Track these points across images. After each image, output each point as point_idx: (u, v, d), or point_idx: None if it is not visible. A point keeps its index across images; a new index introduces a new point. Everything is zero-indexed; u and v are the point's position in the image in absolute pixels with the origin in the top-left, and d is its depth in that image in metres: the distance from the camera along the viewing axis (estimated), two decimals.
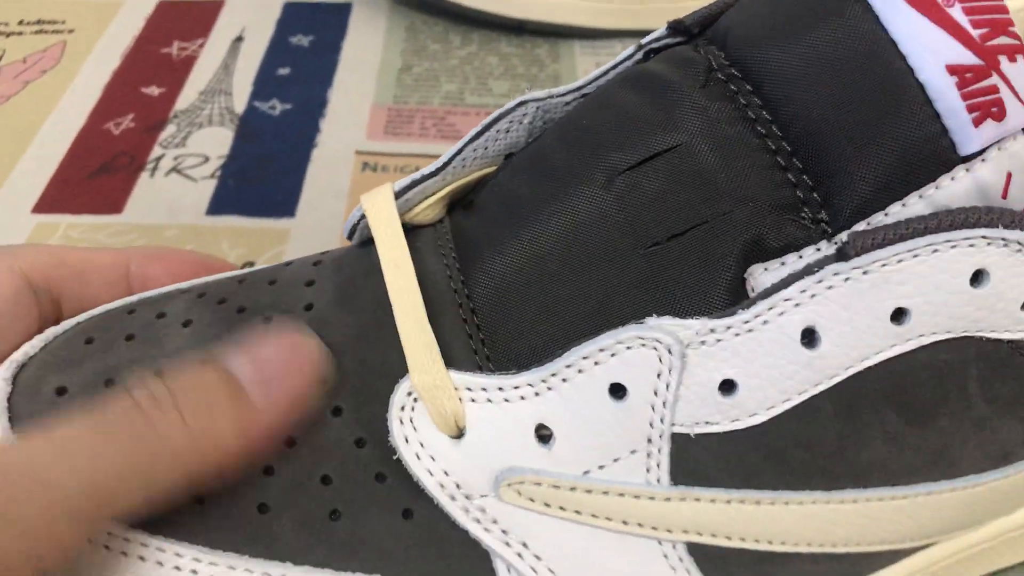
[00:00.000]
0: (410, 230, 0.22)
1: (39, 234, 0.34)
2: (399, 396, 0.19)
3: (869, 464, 0.20)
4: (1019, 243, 0.18)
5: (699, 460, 0.19)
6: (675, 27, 0.22)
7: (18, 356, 0.20)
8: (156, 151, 0.38)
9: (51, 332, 0.21)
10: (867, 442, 0.19)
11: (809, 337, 0.18)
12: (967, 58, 0.18)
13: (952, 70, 0.18)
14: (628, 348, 0.18)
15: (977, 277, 0.18)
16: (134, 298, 0.22)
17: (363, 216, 0.22)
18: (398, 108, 0.40)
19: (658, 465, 0.19)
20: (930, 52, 0.18)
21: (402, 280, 0.20)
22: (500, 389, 0.19)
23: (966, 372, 0.19)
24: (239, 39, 0.45)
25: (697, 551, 0.19)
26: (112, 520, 0.18)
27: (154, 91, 0.41)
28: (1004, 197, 0.18)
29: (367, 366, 0.20)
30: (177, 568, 0.18)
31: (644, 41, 0.23)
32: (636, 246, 0.19)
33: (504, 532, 0.19)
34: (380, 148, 0.38)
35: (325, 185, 0.36)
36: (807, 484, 0.19)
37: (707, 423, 0.19)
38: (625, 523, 0.19)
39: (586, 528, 0.19)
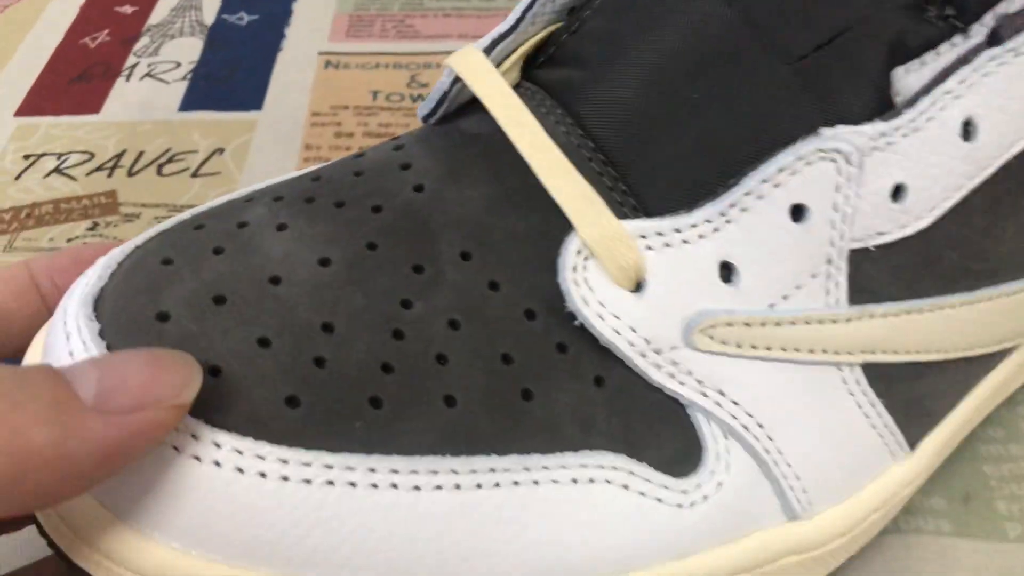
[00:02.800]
0: None
1: (20, 134, 0.36)
2: (569, 256, 0.17)
3: (1001, 258, 0.20)
4: None
5: (871, 275, 0.18)
6: None
7: (85, 292, 0.16)
8: (131, 60, 0.40)
9: (107, 261, 0.17)
10: (1002, 235, 0.20)
11: (967, 129, 0.18)
12: None
13: None
14: (808, 164, 0.17)
15: None
16: (187, 214, 0.18)
17: (453, 84, 0.19)
18: (359, 14, 0.42)
19: (836, 286, 0.18)
20: None
21: (530, 136, 0.18)
22: (677, 231, 0.17)
23: None
24: None
25: (871, 372, 0.19)
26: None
27: (128, 9, 0.43)
28: None
29: (511, 235, 0.18)
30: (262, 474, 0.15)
31: None
32: (781, 62, 0.18)
33: (699, 383, 0.18)
34: (342, 48, 0.40)
35: (289, 81, 0.38)
36: (954, 287, 0.20)
37: (879, 234, 0.18)
38: (811, 351, 0.18)
39: (773, 365, 0.18)
